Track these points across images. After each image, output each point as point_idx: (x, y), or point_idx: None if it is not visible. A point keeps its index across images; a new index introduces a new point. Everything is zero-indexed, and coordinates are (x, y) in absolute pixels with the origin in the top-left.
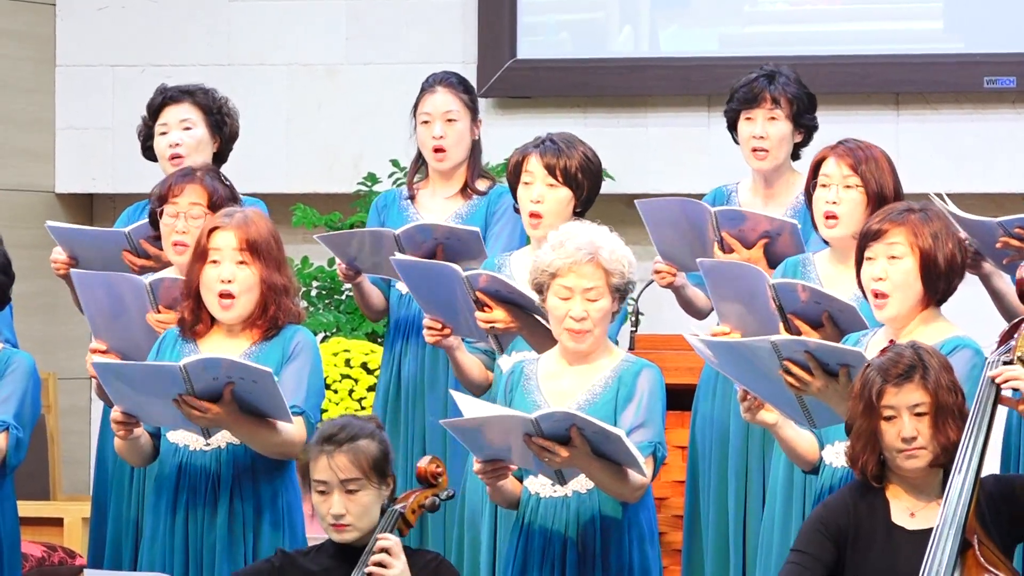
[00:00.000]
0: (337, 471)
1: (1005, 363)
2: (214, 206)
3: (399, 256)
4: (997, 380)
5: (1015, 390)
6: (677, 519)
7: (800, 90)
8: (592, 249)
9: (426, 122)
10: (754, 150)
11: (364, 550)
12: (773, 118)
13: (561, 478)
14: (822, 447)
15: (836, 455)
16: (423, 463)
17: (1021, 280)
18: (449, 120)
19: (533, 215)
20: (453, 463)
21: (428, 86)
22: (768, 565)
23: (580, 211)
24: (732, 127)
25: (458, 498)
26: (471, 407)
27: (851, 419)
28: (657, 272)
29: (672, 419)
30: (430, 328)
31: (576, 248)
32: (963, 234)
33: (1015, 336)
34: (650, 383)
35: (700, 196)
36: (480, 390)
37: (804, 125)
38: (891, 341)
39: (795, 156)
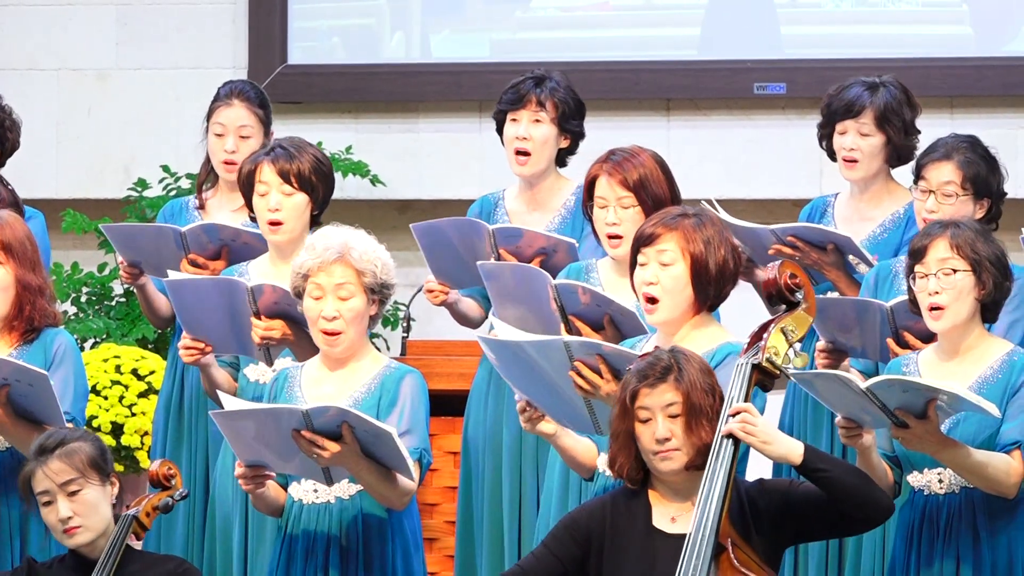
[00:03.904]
0: (54, 476)
1: (753, 365)
2: None
3: (171, 276)
4: (729, 429)
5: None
6: (449, 524)
7: (568, 95)
8: (342, 249)
9: (220, 134)
10: (517, 152)
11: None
12: (538, 120)
13: (328, 478)
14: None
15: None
16: (155, 466)
17: (766, 282)
18: (243, 136)
19: (272, 223)
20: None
21: (224, 97)
22: None
23: (317, 213)
24: (500, 130)
25: (209, 508)
26: (238, 403)
27: (610, 423)
28: (430, 291)
29: (443, 425)
30: (190, 348)
31: (325, 248)
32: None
33: (764, 337)
34: (413, 389)
35: (472, 201)
36: None
37: (570, 131)
38: (656, 348)
39: (562, 163)
